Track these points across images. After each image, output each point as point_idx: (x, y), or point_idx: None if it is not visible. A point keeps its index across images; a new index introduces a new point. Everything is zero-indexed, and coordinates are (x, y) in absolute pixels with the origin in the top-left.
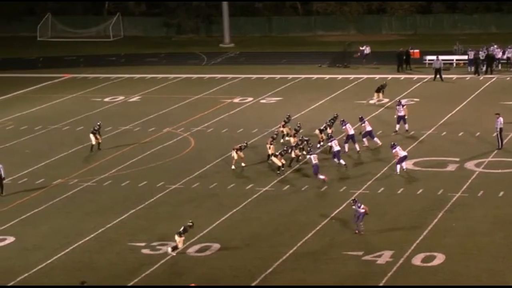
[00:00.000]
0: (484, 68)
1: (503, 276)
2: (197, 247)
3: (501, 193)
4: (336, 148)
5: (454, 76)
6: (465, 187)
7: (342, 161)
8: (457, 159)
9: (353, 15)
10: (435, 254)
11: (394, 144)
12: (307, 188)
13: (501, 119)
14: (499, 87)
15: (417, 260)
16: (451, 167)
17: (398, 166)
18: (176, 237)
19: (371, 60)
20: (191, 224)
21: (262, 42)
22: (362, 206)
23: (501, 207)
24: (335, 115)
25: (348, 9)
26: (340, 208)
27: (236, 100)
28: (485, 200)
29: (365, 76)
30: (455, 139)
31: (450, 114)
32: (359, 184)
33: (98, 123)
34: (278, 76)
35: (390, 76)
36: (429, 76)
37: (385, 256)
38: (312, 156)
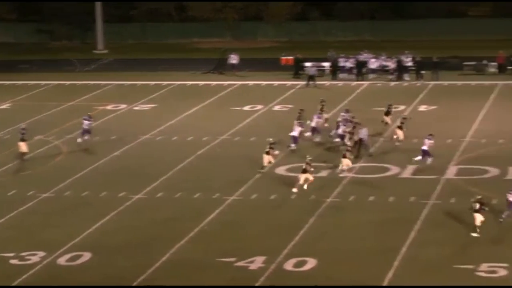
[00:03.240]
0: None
1: (376, 280)
2: (68, 256)
3: (371, 197)
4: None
5: (327, 82)
6: (336, 192)
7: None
8: (331, 165)
9: (229, 22)
10: (307, 259)
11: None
12: (180, 195)
13: (366, 129)
14: (370, 93)
15: (289, 265)
16: (323, 173)
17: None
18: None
19: (243, 67)
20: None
21: (137, 49)
22: None
23: (372, 212)
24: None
25: (224, 16)
26: (213, 215)
27: (109, 107)
28: (356, 205)
29: (239, 82)
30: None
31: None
32: (229, 190)
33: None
34: (153, 82)
35: (264, 83)
36: (303, 82)
37: (258, 261)
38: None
